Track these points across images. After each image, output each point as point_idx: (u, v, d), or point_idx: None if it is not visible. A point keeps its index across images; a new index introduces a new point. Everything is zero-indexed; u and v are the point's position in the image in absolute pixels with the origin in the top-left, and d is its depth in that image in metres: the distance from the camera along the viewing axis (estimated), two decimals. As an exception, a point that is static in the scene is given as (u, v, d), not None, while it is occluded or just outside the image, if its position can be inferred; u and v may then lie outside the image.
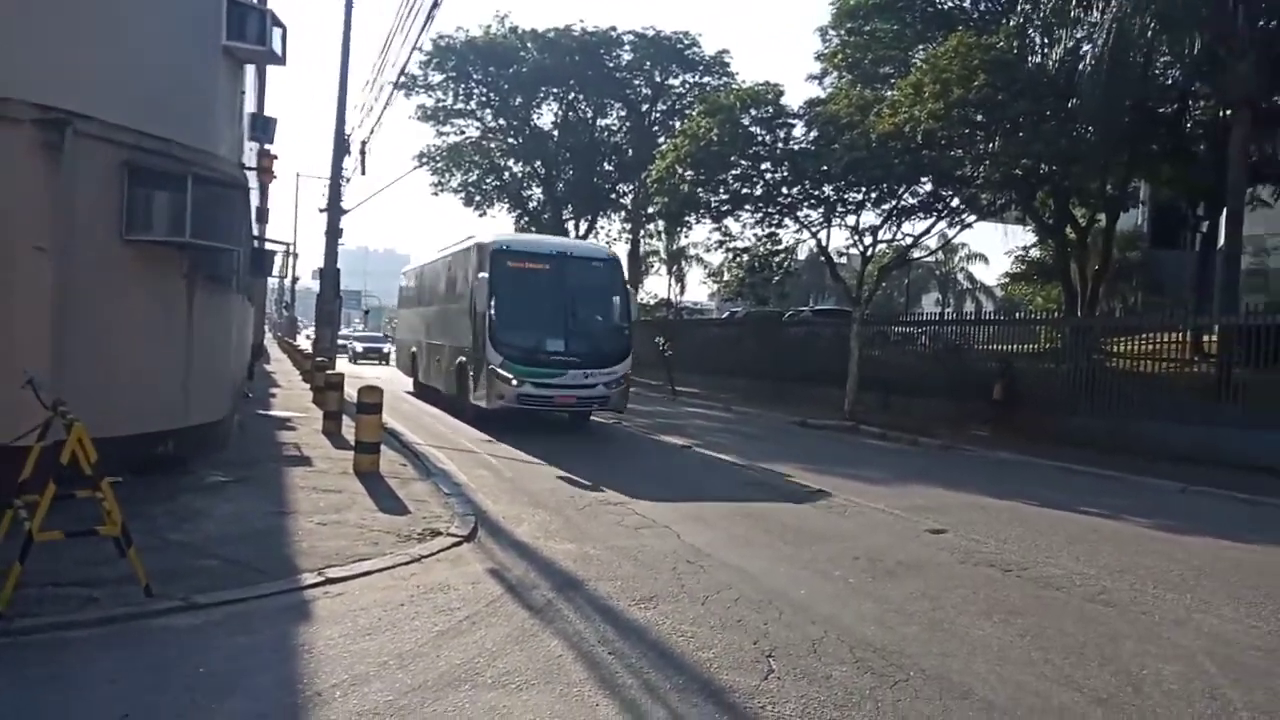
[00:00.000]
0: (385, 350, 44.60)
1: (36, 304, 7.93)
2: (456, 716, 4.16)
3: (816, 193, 25.69)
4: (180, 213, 8.88)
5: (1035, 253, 35.50)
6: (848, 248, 31.07)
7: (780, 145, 25.40)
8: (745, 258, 30.17)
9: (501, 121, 41.27)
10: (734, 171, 26.01)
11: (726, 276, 33.04)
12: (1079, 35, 20.78)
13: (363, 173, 21.63)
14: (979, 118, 20.86)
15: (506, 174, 43.01)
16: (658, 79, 39.82)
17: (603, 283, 16.49)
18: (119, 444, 7.73)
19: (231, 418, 12.58)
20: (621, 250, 36.67)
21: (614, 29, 38.57)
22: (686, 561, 7.22)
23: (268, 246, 18.79)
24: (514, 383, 14.84)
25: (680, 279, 56.16)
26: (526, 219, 41.83)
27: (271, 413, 16.42)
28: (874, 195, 25.09)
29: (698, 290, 75.56)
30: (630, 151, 40.09)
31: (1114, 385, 17.65)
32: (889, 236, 27.49)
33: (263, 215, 24.97)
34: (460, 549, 7.30)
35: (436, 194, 43.86)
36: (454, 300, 18.29)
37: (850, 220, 26.47)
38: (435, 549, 7.13)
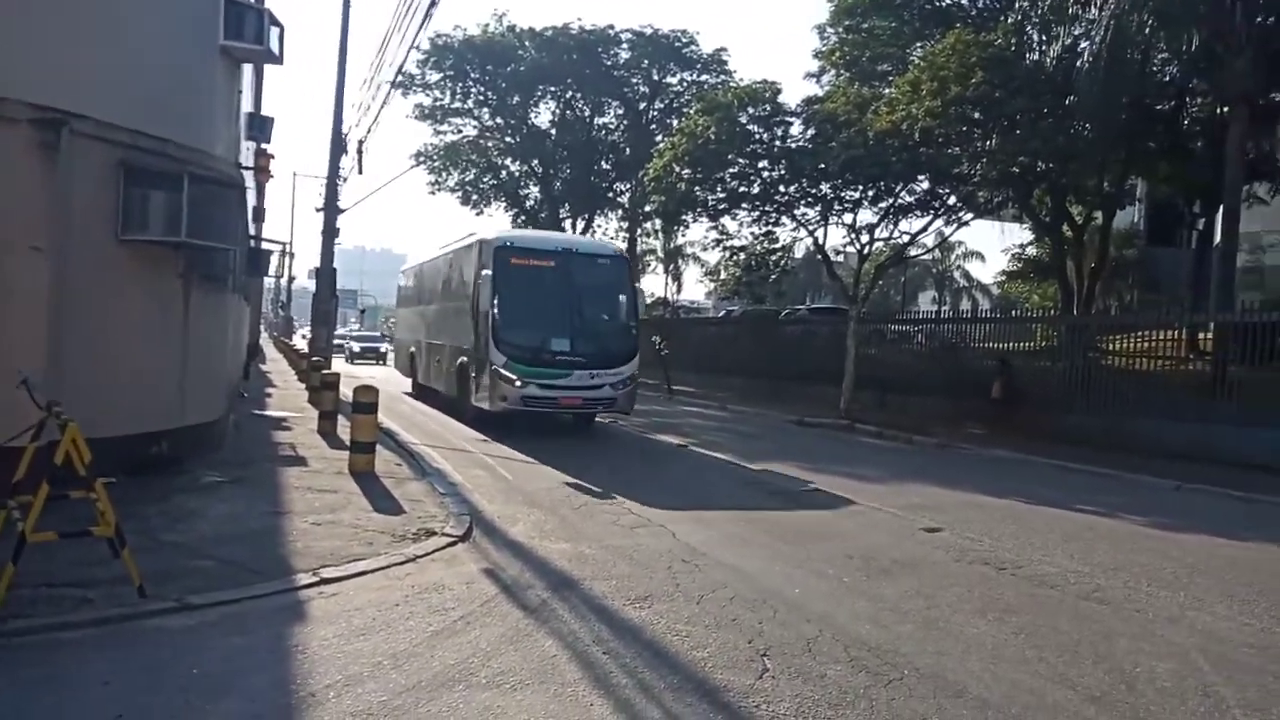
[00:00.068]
0: (383, 350, 44.48)
1: (32, 304, 7.92)
2: (451, 717, 4.16)
3: (814, 191, 25.68)
4: (176, 212, 8.86)
5: (1032, 250, 35.55)
6: (845, 246, 31.05)
7: (778, 143, 25.39)
8: (742, 256, 30.16)
9: (499, 120, 41.22)
10: (731, 170, 26.00)
11: (723, 275, 33.02)
12: (1077, 32, 20.81)
13: (360, 172, 21.61)
14: (976, 115, 20.87)
15: (504, 173, 42.97)
16: (655, 77, 39.79)
17: (609, 280, 16.05)
18: (113, 444, 7.73)
19: (227, 418, 12.57)
20: (619, 249, 36.55)
21: (612, 27, 38.54)
22: (682, 560, 7.23)
23: (264, 246, 18.79)
24: (517, 384, 14.43)
25: (677, 278, 56.26)
26: (524, 218, 41.80)
27: (267, 413, 16.41)
28: (871, 193, 25.09)
29: (694, 289, 75.74)
30: (628, 150, 40.06)
31: (1110, 383, 17.68)
32: (886, 235, 27.50)
33: (259, 214, 24.99)
34: (455, 549, 7.29)
35: (434, 193, 43.88)
36: (455, 299, 17.74)
37: (847, 218, 26.49)
38: (430, 549, 7.13)
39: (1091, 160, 21.83)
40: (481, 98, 40.47)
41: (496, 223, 46.12)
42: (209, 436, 10.83)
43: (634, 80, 40.05)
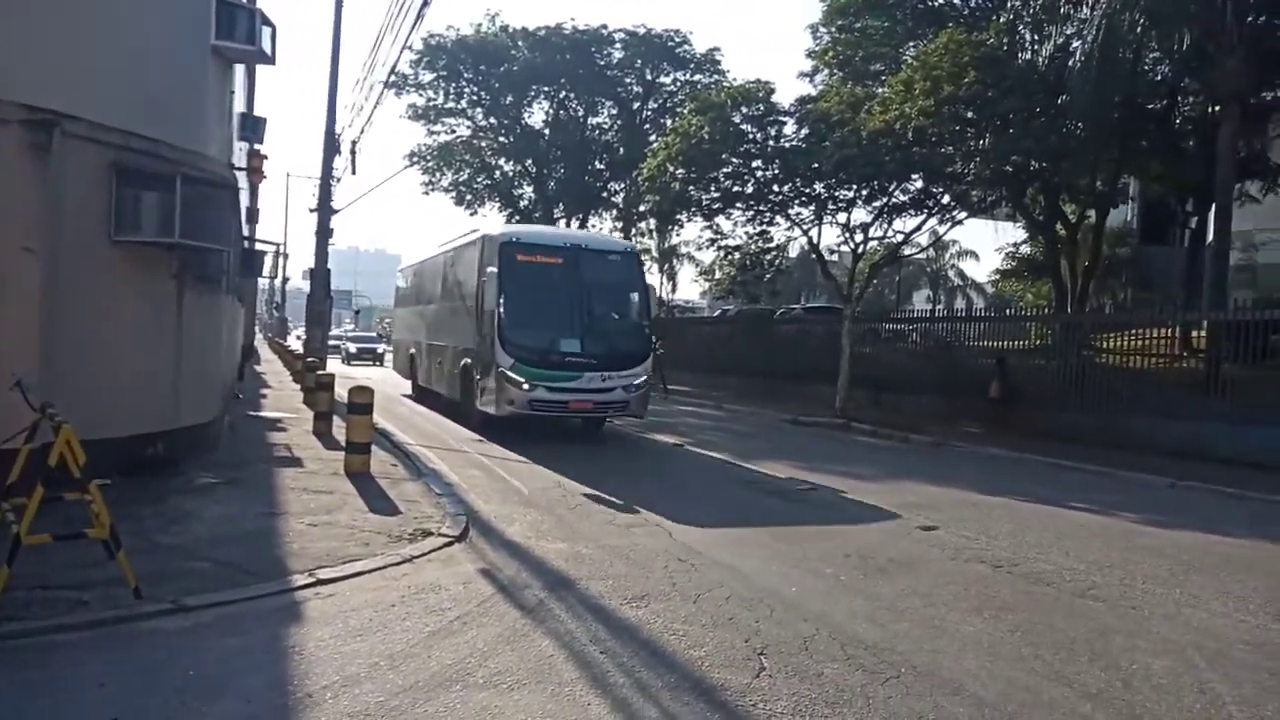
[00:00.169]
0: (380, 351, 44.28)
1: (24, 305, 7.89)
2: (448, 717, 4.16)
3: (807, 190, 25.72)
4: (169, 213, 8.83)
5: (1026, 249, 35.57)
6: (839, 245, 31.14)
7: (771, 143, 25.43)
8: (737, 256, 30.18)
9: (492, 120, 41.18)
10: (725, 170, 26.03)
11: (718, 274, 33.08)
12: (1069, 32, 20.84)
13: (353, 172, 21.57)
14: (969, 114, 20.92)
15: (497, 173, 42.93)
16: (649, 77, 39.78)
17: (620, 277, 15.37)
18: (108, 446, 7.71)
19: (222, 419, 12.54)
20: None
21: (605, 27, 38.53)
22: (678, 560, 7.23)
23: (258, 247, 18.80)
24: (525, 387, 13.83)
25: (672, 277, 56.19)
26: (518, 218, 41.75)
27: (262, 414, 16.38)
28: (865, 192, 25.15)
29: (689, 288, 75.76)
30: (621, 150, 40.05)
31: (1104, 381, 17.72)
32: (880, 234, 27.57)
33: (253, 215, 24.93)
34: (452, 549, 7.29)
35: (427, 193, 43.79)
36: (458, 298, 17.16)
37: (841, 218, 26.55)
38: (426, 549, 7.12)
39: (1084, 159, 21.90)
40: (475, 98, 40.43)
41: (493, 222, 46.10)
42: (204, 438, 10.80)
43: (627, 80, 40.05)
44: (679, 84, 39.72)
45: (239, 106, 16.16)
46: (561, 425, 15.56)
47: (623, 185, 40.64)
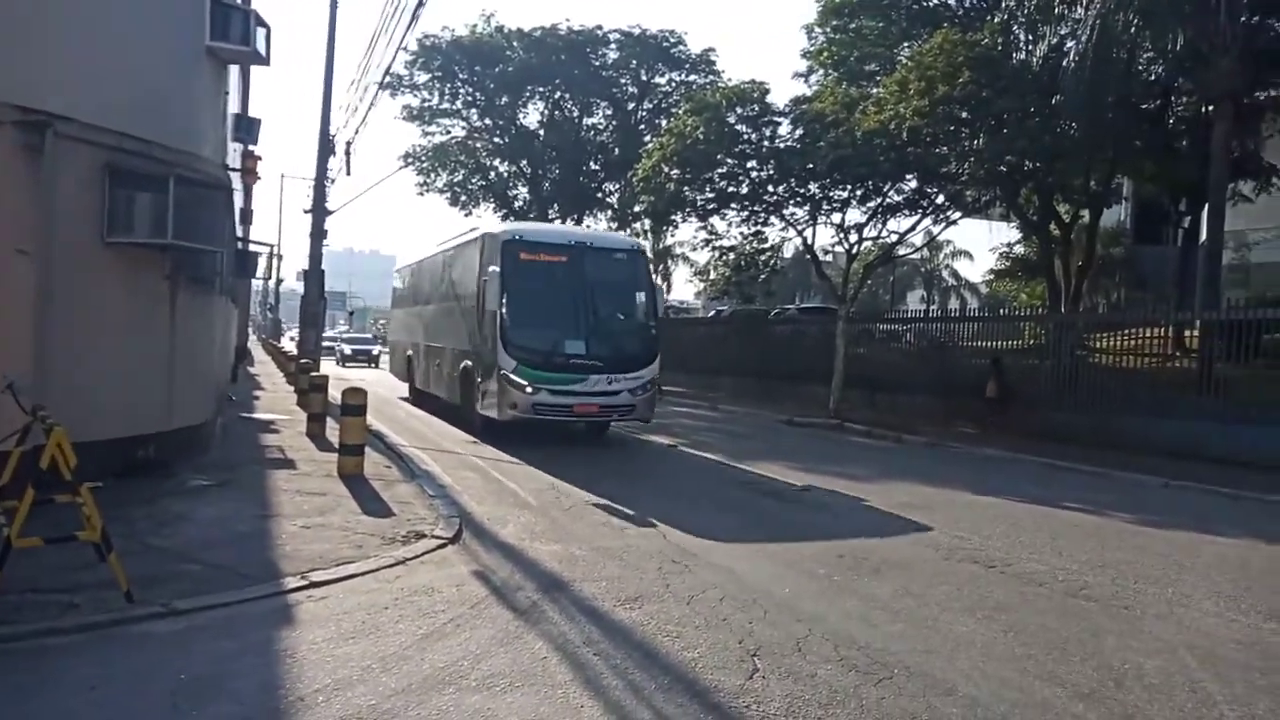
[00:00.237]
0: (375, 353, 44.14)
1: (16, 306, 7.88)
2: (440, 720, 4.16)
3: (802, 191, 25.71)
4: (162, 214, 8.83)
5: (1020, 249, 35.67)
6: (833, 245, 31.11)
7: (766, 144, 25.40)
8: (731, 256, 30.17)
9: (487, 121, 41.15)
10: (720, 170, 26.00)
11: (713, 275, 33.02)
12: (1063, 32, 20.91)
13: (348, 173, 21.61)
14: (964, 115, 20.94)
15: (492, 174, 42.88)
16: (644, 77, 39.78)
17: (626, 277, 14.99)
18: (100, 448, 7.71)
19: (214, 421, 12.51)
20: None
21: (600, 28, 38.51)
22: (672, 561, 7.23)
23: (252, 248, 18.70)
24: (528, 390, 13.42)
25: (666, 278, 56.16)
26: (513, 219, 41.72)
27: (255, 415, 16.35)
28: (859, 193, 25.14)
29: (684, 289, 75.70)
30: (616, 150, 40.03)
31: (1098, 381, 17.77)
32: (874, 234, 27.55)
33: (247, 216, 24.87)
34: (445, 551, 7.28)
35: (422, 194, 43.74)
36: (457, 298, 16.66)
37: (836, 218, 26.51)
38: (419, 551, 7.11)
39: (1078, 159, 21.95)
40: (469, 98, 40.40)
41: (488, 222, 46.07)
42: (196, 440, 10.78)
43: (622, 80, 40.04)
44: (674, 84, 39.72)
45: (233, 107, 16.12)
46: (557, 427, 15.13)
47: (618, 186, 40.63)
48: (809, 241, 28.30)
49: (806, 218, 27.25)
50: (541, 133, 41.31)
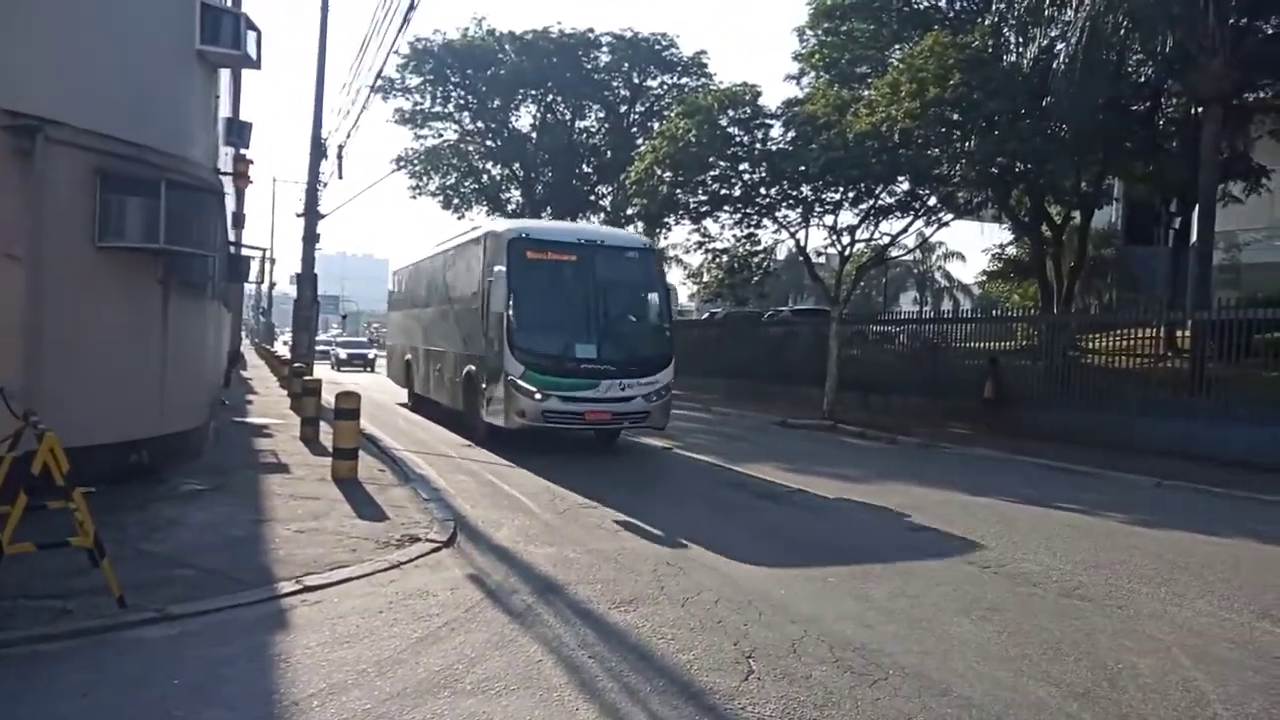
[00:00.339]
0: (371, 356, 43.93)
1: (7, 312, 7.86)
2: (435, 723, 4.14)
3: (794, 193, 25.70)
4: (154, 219, 8.81)
5: (1012, 250, 35.75)
6: (826, 247, 31.08)
7: (758, 146, 25.41)
8: (724, 259, 30.15)
9: (479, 124, 41.12)
10: (712, 172, 25.99)
11: (706, 277, 32.98)
12: (1053, 34, 20.96)
13: (340, 177, 21.62)
14: (955, 116, 20.98)
15: (485, 177, 42.84)
16: (636, 80, 39.79)
17: (638, 276, 14.28)
18: (92, 453, 7.68)
19: (207, 425, 12.48)
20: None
21: (592, 30, 38.52)
22: (667, 564, 7.22)
23: (244, 252, 18.69)
24: (537, 397, 12.77)
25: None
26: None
27: (248, 420, 16.30)
28: (851, 195, 25.15)
29: (677, 291, 75.67)
30: (609, 153, 40.04)
31: (1090, 381, 17.84)
32: (867, 236, 27.55)
33: (239, 220, 24.80)
34: (439, 554, 7.27)
35: (415, 197, 43.65)
36: (460, 300, 15.95)
37: (828, 220, 26.52)
38: (414, 555, 7.10)
39: (1069, 160, 22.02)
40: (462, 102, 40.36)
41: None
42: (189, 444, 10.75)
43: (614, 83, 40.04)
44: (666, 87, 39.75)
45: (224, 111, 16.11)
46: (547, 430, 13.79)
47: (610, 188, 40.63)
48: (802, 243, 28.32)
49: (799, 220, 27.26)
50: (534, 136, 41.30)
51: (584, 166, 41.40)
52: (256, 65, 12.18)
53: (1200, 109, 20.24)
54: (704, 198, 27.15)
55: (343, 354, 43.86)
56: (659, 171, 26.31)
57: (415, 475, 11.02)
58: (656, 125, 34.31)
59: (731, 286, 31.03)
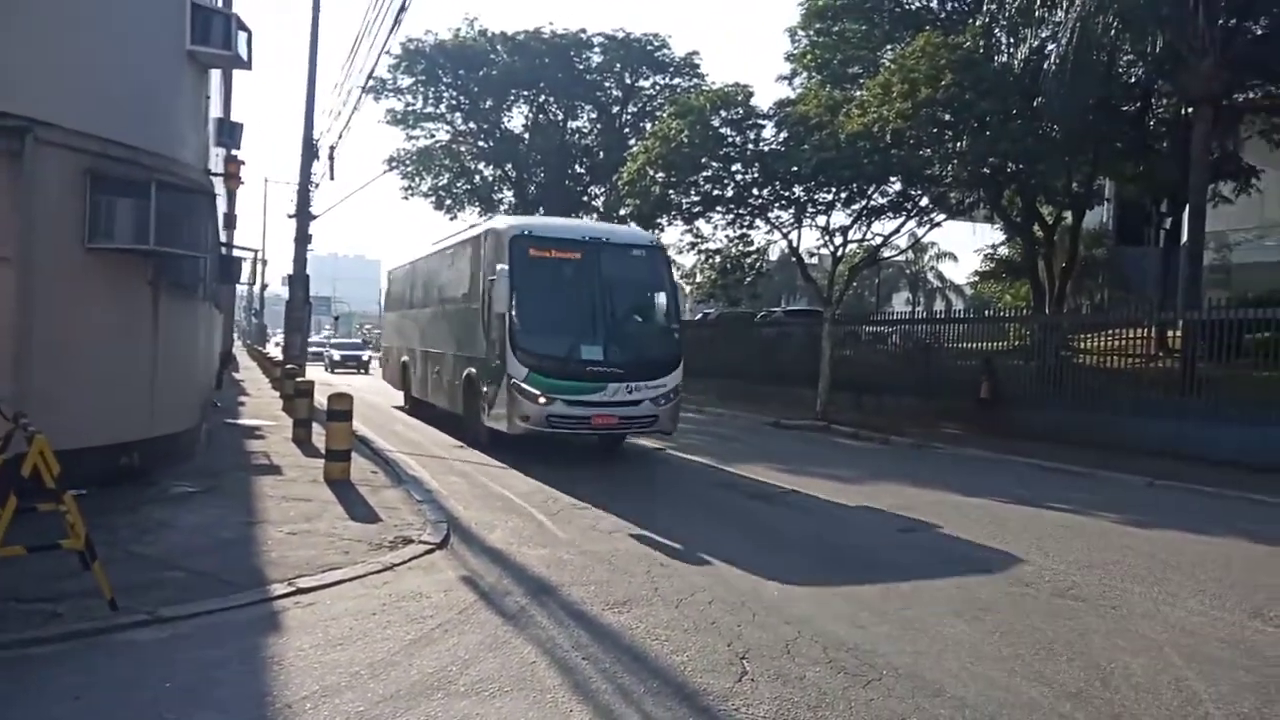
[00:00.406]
0: (365, 358, 43.77)
1: (-3, 314, 7.80)
2: (429, 726, 4.13)
3: (787, 194, 25.72)
4: (144, 220, 8.77)
5: (1004, 250, 35.85)
6: (818, 248, 31.17)
7: (750, 146, 25.42)
8: (717, 259, 30.17)
9: (471, 125, 41.07)
10: (705, 173, 25.99)
11: (699, 278, 33.00)
12: (1044, 35, 21.04)
13: (331, 178, 21.54)
14: (947, 117, 21.02)
15: (477, 177, 42.79)
16: (628, 81, 39.79)
17: (645, 275, 13.84)
18: (82, 455, 7.64)
19: (199, 427, 12.43)
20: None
21: (584, 31, 38.48)
22: (660, 565, 7.22)
23: (235, 253, 18.64)
24: (541, 400, 12.29)
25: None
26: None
27: (240, 421, 16.25)
28: (844, 195, 25.18)
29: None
30: (601, 154, 40.04)
31: (1082, 381, 17.90)
32: (859, 236, 27.59)
33: (230, 221, 24.74)
34: (432, 556, 7.25)
35: (407, 198, 43.60)
36: (460, 300, 15.49)
37: (820, 221, 26.54)
38: (407, 557, 7.08)
39: (1060, 161, 22.09)
40: (454, 102, 40.32)
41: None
42: (181, 446, 10.71)
43: (607, 84, 40.03)
44: (658, 88, 39.75)
45: (215, 112, 16.06)
46: (555, 435, 13.08)
47: (603, 189, 40.62)
48: (794, 244, 28.35)
49: (791, 220, 27.29)
50: (526, 136, 41.27)
51: (576, 167, 41.39)
52: (247, 66, 12.13)
53: (1190, 109, 20.34)
54: (696, 198, 27.15)
55: (337, 355, 43.60)
56: (651, 172, 26.30)
57: (408, 477, 10.99)
58: (649, 126, 34.31)
59: (724, 287, 31.04)
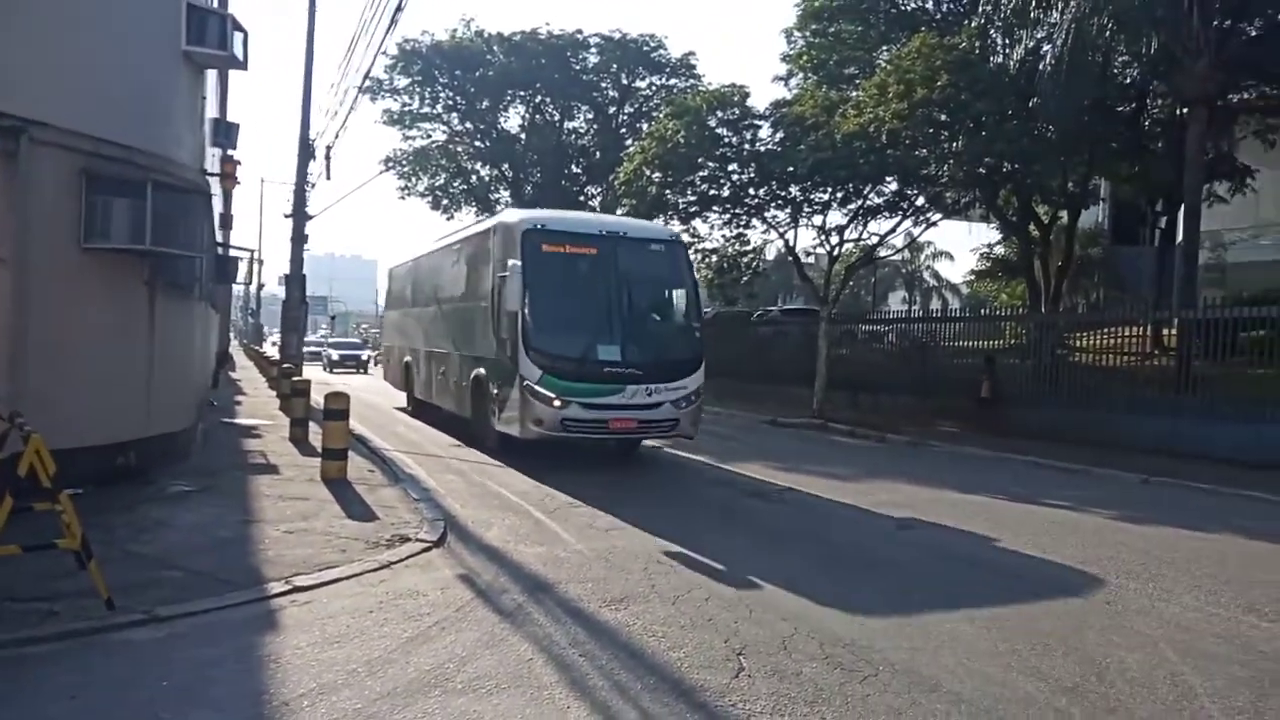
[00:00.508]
0: (365, 358, 43.56)
1: (-8, 314, 7.79)
2: (426, 723, 4.13)
3: (783, 193, 25.73)
4: (140, 220, 8.76)
5: (1000, 250, 35.90)
6: (815, 247, 31.19)
7: (747, 147, 25.42)
8: (714, 259, 30.19)
9: (468, 125, 41.06)
10: (701, 173, 26.00)
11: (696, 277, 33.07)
12: (1039, 35, 21.09)
13: (328, 177, 21.53)
14: (943, 117, 21.05)
15: (474, 177, 42.78)
16: (625, 81, 39.80)
17: (665, 270, 13.26)
18: (79, 455, 7.64)
19: (195, 426, 12.42)
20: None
21: (580, 32, 38.51)
22: (657, 562, 7.23)
23: (232, 253, 18.60)
24: (556, 404, 11.67)
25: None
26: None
27: (237, 421, 16.23)
28: (840, 195, 25.19)
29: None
30: (598, 154, 40.04)
31: (1078, 379, 17.96)
32: (855, 236, 27.62)
33: (226, 221, 24.70)
34: (429, 554, 7.26)
35: (403, 198, 43.59)
36: (467, 297, 14.82)
37: (817, 220, 26.54)
38: (404, 555, 7.08)
39: (1055, 161, 22.14)
40: (450, 103, 40.30)
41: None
42: (177, 445, 10.70)
43: (603, 84, 40.05)
44: (655, 88, 39.77)
45: (211, 112, 16.05)
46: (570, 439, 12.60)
47: (600, 189, 40.61)
48: (791, 244, 28.35)
49: (788, 220, 27.30)
50: (522, 136, 41.26)
51: (573, 167, 41.38)
52: (243, 66, 12.13)
53: (1185, 110, 20.40)
54: (693, 198, 27.16)
55: (335, 355, 43.21)
56: (648, 172, 26.31)
57: (405, 475, 11.00)
58: (645, 126, 34.32)
59: (721, 286, 31.03)
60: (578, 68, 38.77)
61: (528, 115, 41.02)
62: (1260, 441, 14.12)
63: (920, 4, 29.35)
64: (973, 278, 41.99)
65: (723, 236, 29.22)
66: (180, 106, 10.82)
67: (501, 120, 41.08)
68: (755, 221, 27.91)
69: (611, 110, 40.59)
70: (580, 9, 62.84)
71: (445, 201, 42.69)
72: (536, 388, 11.75)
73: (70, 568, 5.58)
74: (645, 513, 9.13)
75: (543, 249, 12.18)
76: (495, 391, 13.00)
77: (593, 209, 41.20)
